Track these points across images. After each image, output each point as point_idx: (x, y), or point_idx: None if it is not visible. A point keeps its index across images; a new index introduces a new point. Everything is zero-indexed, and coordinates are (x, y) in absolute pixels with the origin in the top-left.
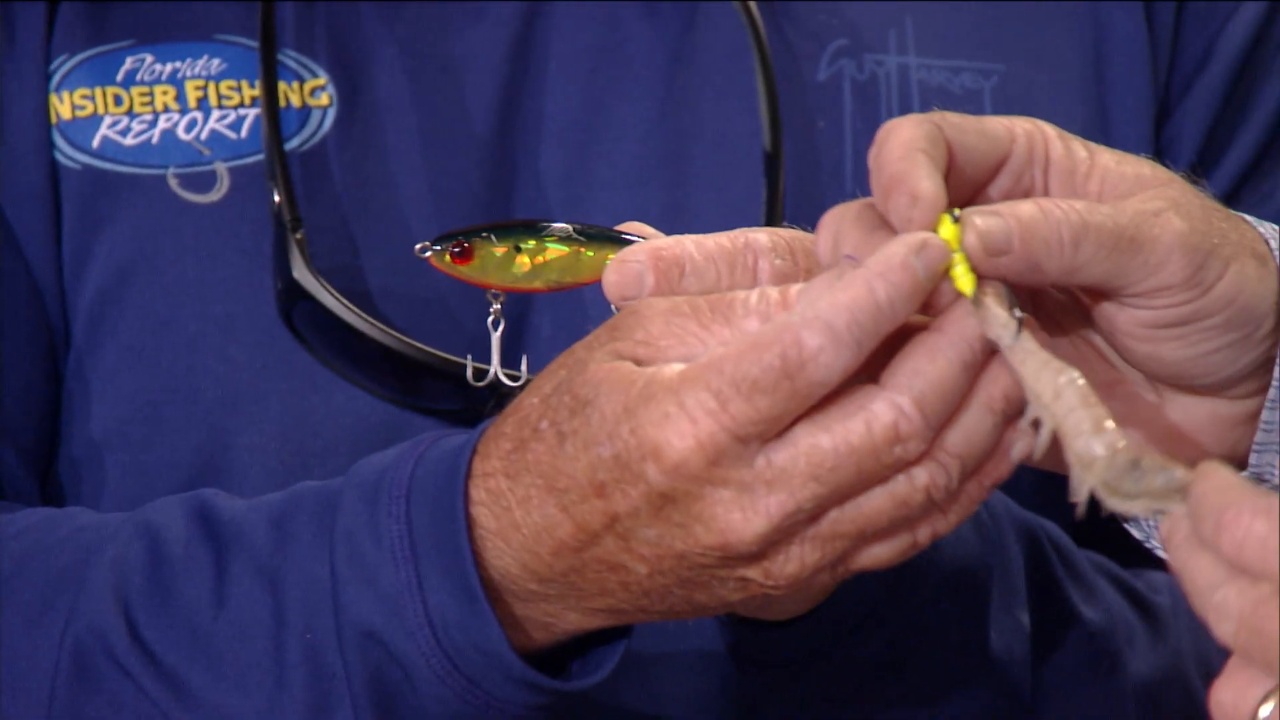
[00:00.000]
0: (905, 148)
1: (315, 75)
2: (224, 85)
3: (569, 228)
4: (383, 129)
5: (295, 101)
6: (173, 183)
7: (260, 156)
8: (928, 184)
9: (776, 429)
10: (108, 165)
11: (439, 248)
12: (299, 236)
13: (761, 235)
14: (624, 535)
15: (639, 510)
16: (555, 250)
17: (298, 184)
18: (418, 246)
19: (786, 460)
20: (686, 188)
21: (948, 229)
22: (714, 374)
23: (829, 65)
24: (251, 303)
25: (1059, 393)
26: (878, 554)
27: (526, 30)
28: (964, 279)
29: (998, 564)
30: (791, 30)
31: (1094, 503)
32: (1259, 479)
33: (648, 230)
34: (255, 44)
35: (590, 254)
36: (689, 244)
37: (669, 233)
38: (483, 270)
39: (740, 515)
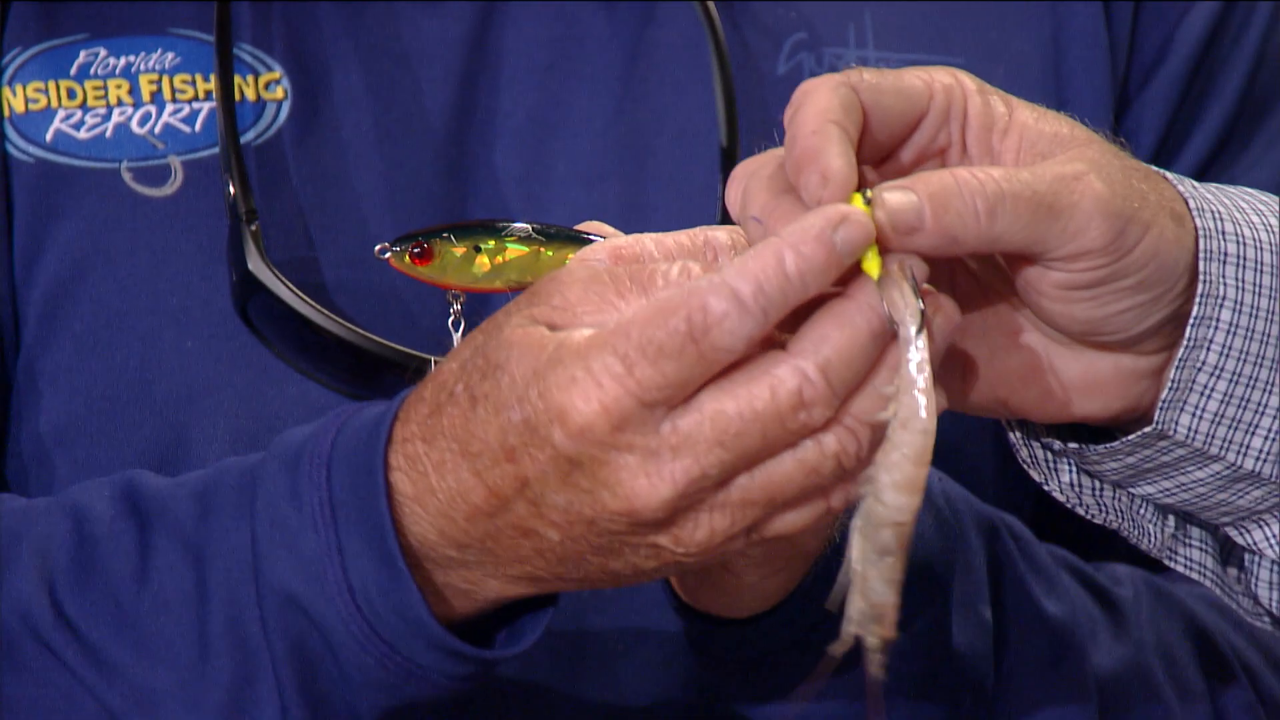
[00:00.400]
0: (819, 119)
1: (270, 69)
2: (178, 79)
3: (528, 227)
4: (338, 123)
5: (250, 95)
6: (126, 176)
7: (214, 150)
8: (838, 162)
9: (682, 395)
10: (61, 158)
11: (398, 249)
12: (254, 228)
13: (721, 233)
14: (535, 501)
15: (547, 475)
16: (515, 250)
17: (253, 177)
18: (377, 248)
19: (691, 426)
20: (644, 183)
21: (859, 207)
22: (620, 338)
23: (788, 59)
24: (207, 296)
25: (908, 423)
26: (792, 520)
27: (483, 26)
28: (870, 259)
29: (959, 559)
30: (751, 25)
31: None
32: (1162, 435)
33: (607, 229)
34: (210, 38)
35: (550, 254)
36: (648, 242)
37: (627, 228)
38: (442, 271)
39: (646, 481)
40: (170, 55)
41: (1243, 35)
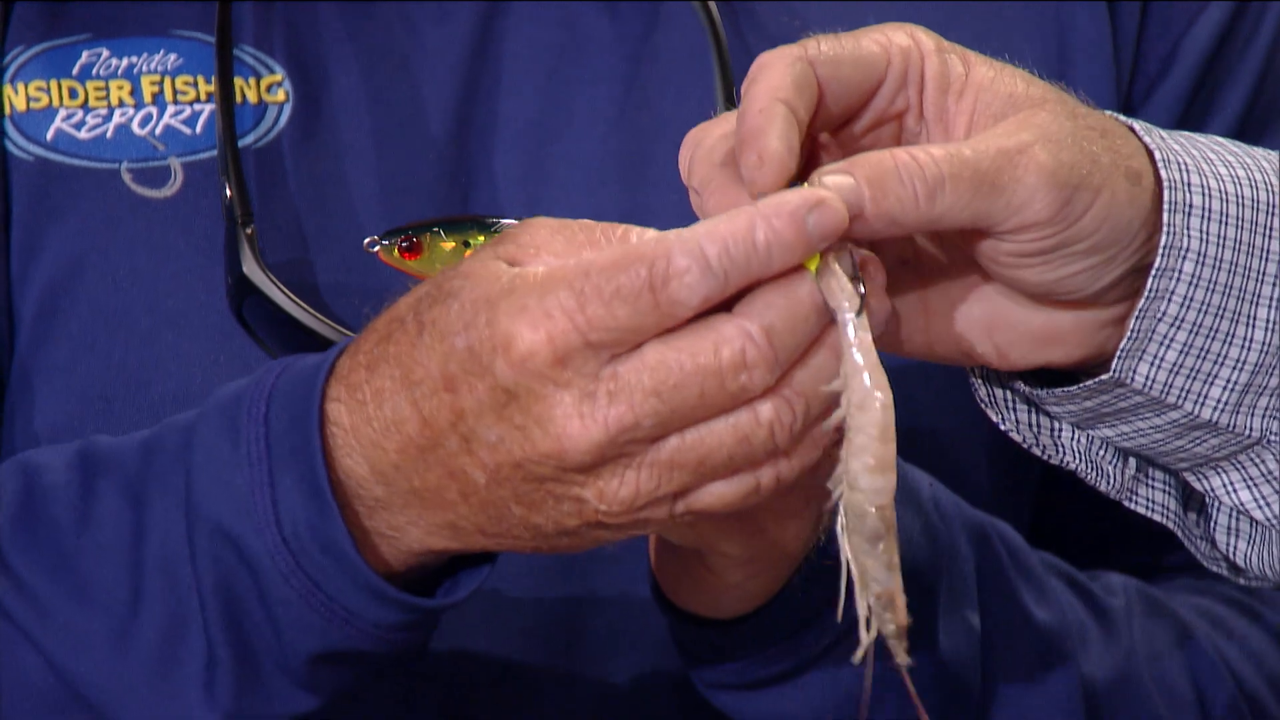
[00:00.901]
0: (768, 96)
1: (272, 71)
2: (180, 80)
3: (516, 223)
4: (338, 126)
5: (251, 97)
6: (126, 177)
7: (214, 151)
8: (776, 144)
9: (630, 343)
10: (61, 158)
11: (387, 242)
12: (249, 231)
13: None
14: (467, 437)
15: (483, 407)
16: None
17: (251, 179)
18: (366, 240)
19: (631, 373)
20: (646, 188)
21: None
22: (579, 276)
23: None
24: (204, 297)
25: (864, 405)
26: (719, 492)
27: (485, 29)
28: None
29: (947, 564)
30: (753, 29)
31: (1055, 506)
32: (1119, 383)
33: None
34: (212, 39)
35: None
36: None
37: None
38: (431, 265)
39: (579, 422)
40: (173, 57)
41: (1251, 41)
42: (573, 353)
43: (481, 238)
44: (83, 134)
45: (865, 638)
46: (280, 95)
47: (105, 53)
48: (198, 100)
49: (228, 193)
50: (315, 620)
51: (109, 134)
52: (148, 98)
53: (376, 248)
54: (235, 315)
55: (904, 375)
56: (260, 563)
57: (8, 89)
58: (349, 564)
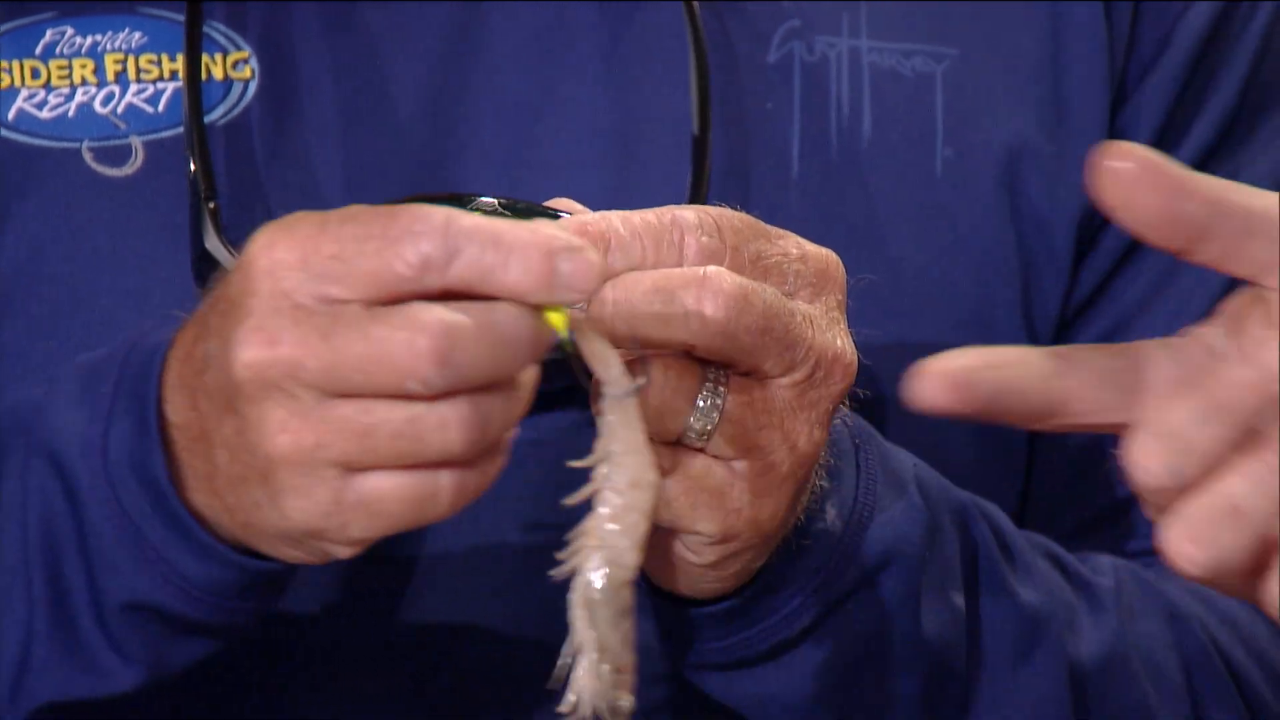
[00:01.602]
0: None
1: (239, 48)
2: (144, 59)
3: (495, 202)
4: (305, 104)
5: (217, 74)
6: (87, 156)
7: (176, 130)
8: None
9: (343, 281)
10: (22, 138)
11: None
12: (212, 206)
13: (689, 212)
14: (201, 368)
15: (215, 319)
16: None
17: (218, 156)
18: None
19: (324, 310)
20: (629, 172)
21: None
22: (335, 213)
23: (779, 47)
24: (167, 276)
25: (638, 483)
26: (393, 484)
27: (467, 12)
28: (556, 316)
29: (931, 546)
30: (740, 14)
31: (1045, 486)
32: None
33: (576, 206)
34: (179, 17)
35: None
36: (615, 219)
37: None
38: None
39: (261, 334)
40: (138, 35)
41: (1245, 31)
42: (291, 266)
43: None
44: (44, 114)
45: (586, 710)
46: (247, 72)
47: (70, 31)
48: (161, 79)
49: (192, 167)
50: (127, 561)
51: (70, 113)
52: (110, 76)
53: None
54: (199, 290)
55: (889, 353)
56: (81, 491)
57: None
58: (164, 500)
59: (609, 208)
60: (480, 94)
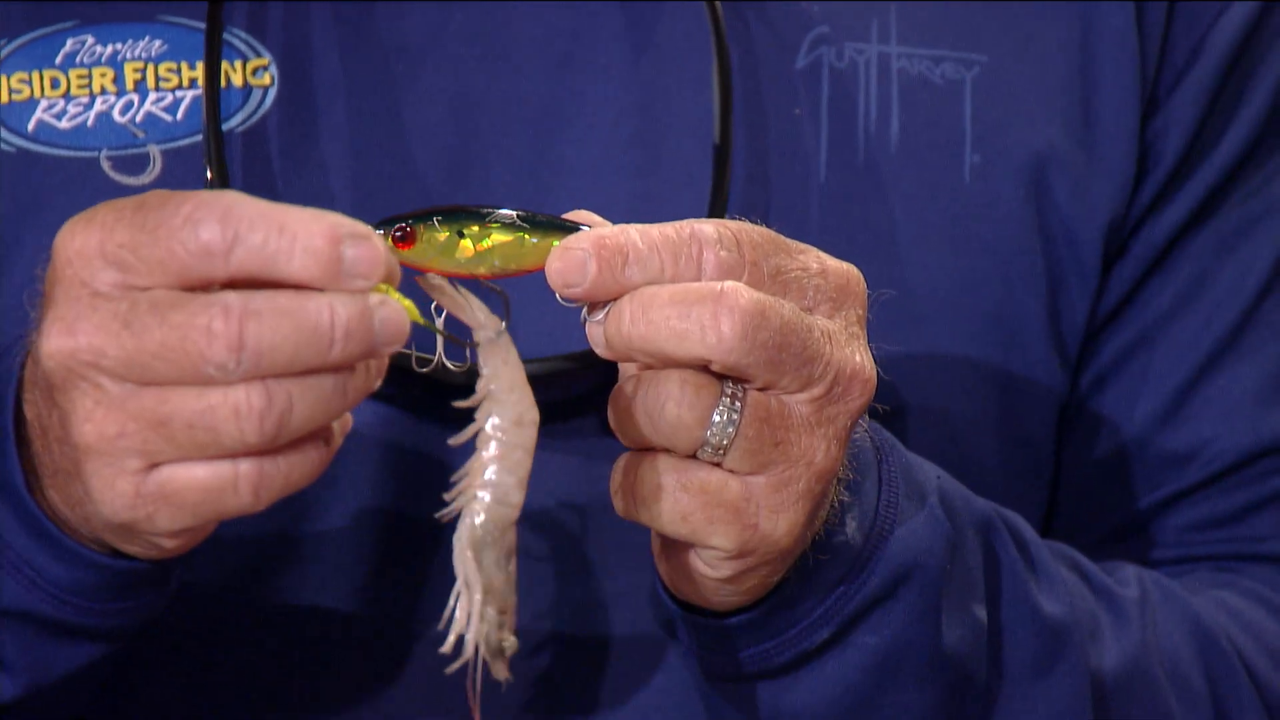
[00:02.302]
0: None
1: (259, 55)
2: (163, 67)
3: (514, 214)
4: (324, 111)
5: (237, 81)
6: (105, 165)
7: (194, 139)
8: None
9: (136, 268)
10: (42, 148)
11: (380, 231)
12: None
13: (708, 226)
14: (33, 362)
15: (36, 320)
16: (499, 236)
17: (236, 162)
18: None
19: (124, 298)
20: (653, 177)
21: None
22: (133, 200)
23: (808, 53)
24: None
25: (520, 421)
26: (193, 475)
27: (489, 18)
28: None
29: (952, 559)
30: (768, 20)
31: (1072, 494)
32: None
33: (595, 219)
34: (199, 24)
35: (535, 240)
36: (633, 233)
37: (638, 220)
38: (424, 255)
39: (62, 324)
40: (158, 43)
41: (1277, 39)
42: (91, 256)
43: (475, 227)
44: (63, 124)
45: (469, 651)
46: (266, 79)
47: (90, 39)
48: (180, 87)
49: (209, 175)
50: None
51: (90, 122)
52: (130, 85)
53: None
54: None
55: (914, 362)
56: None
57: None
58: (20, 502)
59: (631, 211)
60: (503, 98)
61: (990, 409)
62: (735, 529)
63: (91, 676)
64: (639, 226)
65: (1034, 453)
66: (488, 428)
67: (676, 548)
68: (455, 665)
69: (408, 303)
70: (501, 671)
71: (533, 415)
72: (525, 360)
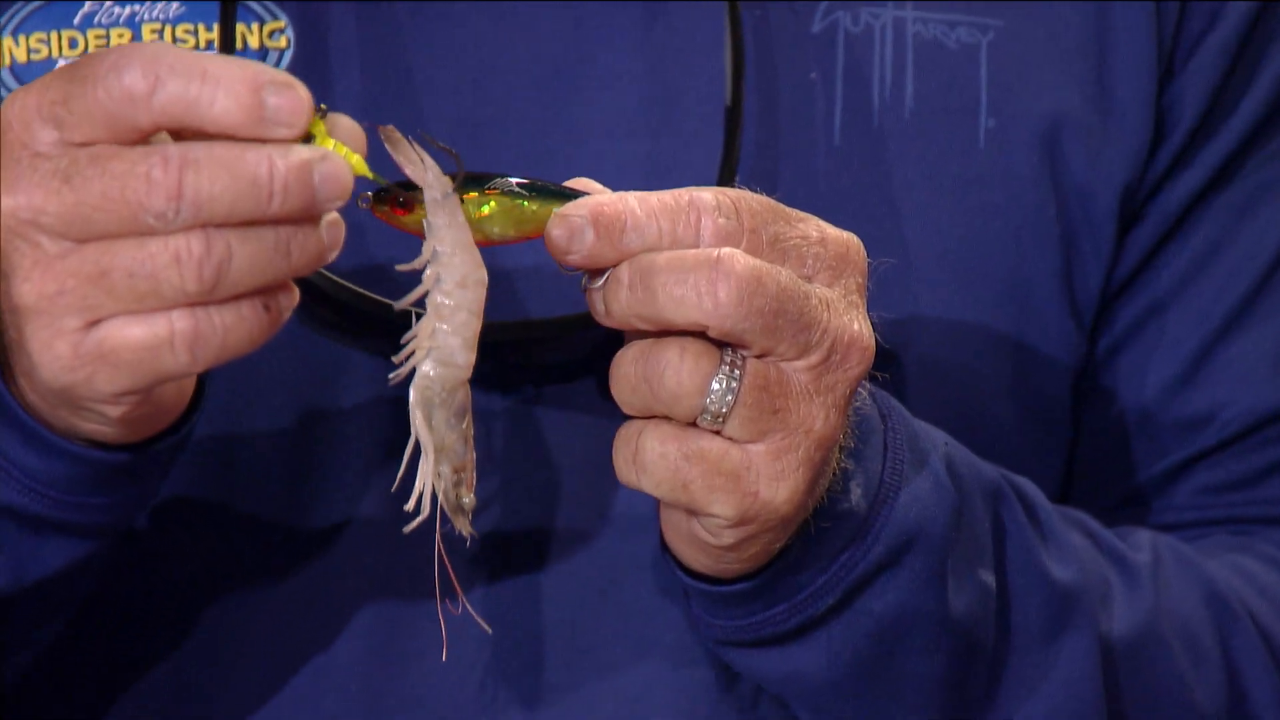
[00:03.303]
0: None
1: (276, 18)
2: (180, 29)
3: (512, 181)
4: (339, 73)
5: (253, 43)
6: None
7: None
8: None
9: (69, 117)
10: None
11: (379, 196)
12: None
13: (706, 194)
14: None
15: None
16: (499, 203)
17: None
18: (359, 198)
19: (64, 154)
20: (669, 138)
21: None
22: (72, 61)
23: (824, 17)
24: None
25: (465, 282)
26: (129, 331)
27: None
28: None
29: (958, 525)
30: None
31: (1094, 456)
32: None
33: (595, 186)
34: None
35: (534, 208)
36: (631, 200)
37: (649, 184)
38: (422, 221)
39: (4, 185)
40: (175, 5)
41: None
42: (24, 119)
43: (475, 194)
44: None
45: (426, 508)
46: (282, 41)
47: (109, 2)
48: (196, 48)
49: None
50: None
51: None
52: None
53: (367, 203)
54: None
55: (929, 322)
56: None
57: (8, 41)
58: None
59: (644, 172)
60: (516, 60)
61: (1004, 370)
62: (735, 497)
63: (72, 582)
64: (637, 194)
65: (1049, 414)
66: (435, 291)
67: (679, 515)
68: (415, 523)
69: (355, 158)
70: (464, 527)
71: (478, 276)
72: (531, 321)
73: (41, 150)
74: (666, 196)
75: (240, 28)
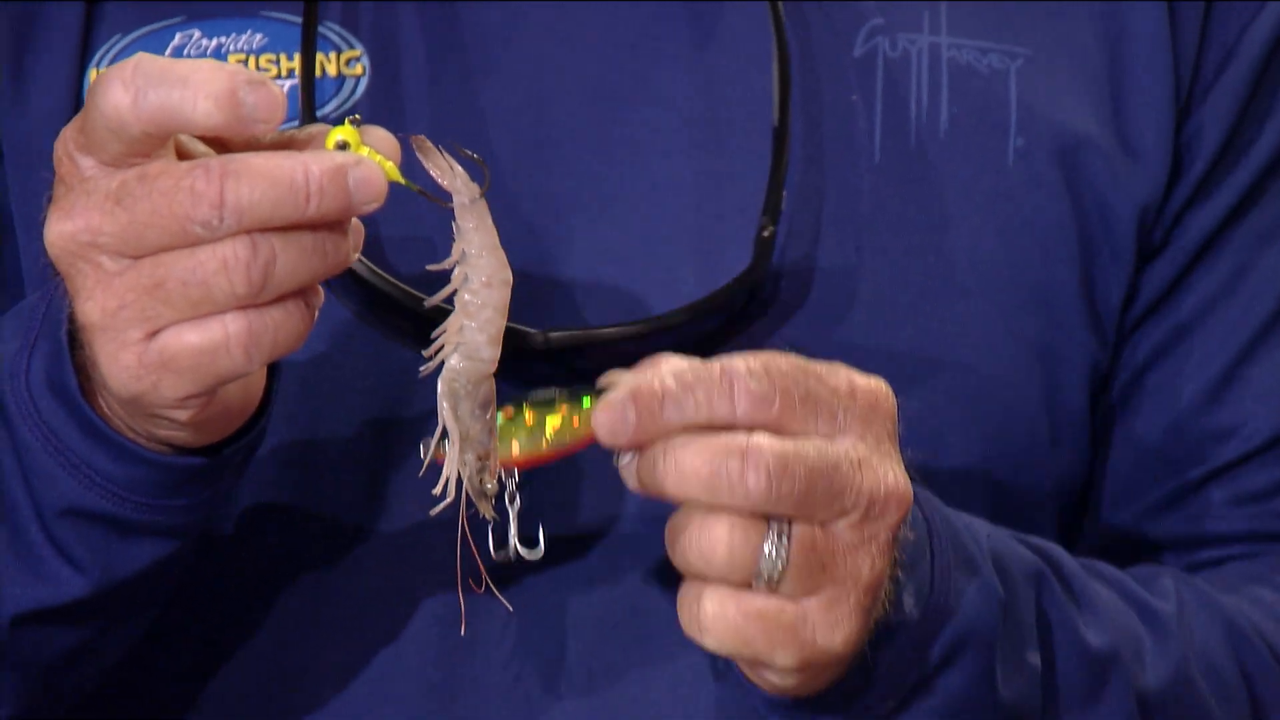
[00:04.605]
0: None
1: (353, 47)
2: (263, 59)
3: (555, 392)
4: (410, 99)
5: (331, 71)
6: None
7: (292, 124)
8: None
9: (89, 141)
10: None
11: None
12: None
13: (738, 361)
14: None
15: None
16: (534, 414)
17: None
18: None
19: (110, 176)
20: (718, 157)
21: (348, 133)
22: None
23: (865, 42)
24: None
25: (492, 282)
26: (186, 338)
27: (562, 9)
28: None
29: (1006, 619)
30: (829, 11)
31: (1120, 466)
32: None
33: (628, 377)
34: (297, 19)
35: (576, 407)
36: (668, 376)
37: (700, 201)
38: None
39: (60, 211)
40: (259, 36)
41: None
42: (70, 151)
43: (518, 413)
44: None
45: (452, 492)
46: (359, 69)
47: (197, 34)
48: (278, 77)
49: None
50: (54, 468)
51: None
52: None
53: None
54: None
55: (961, 328)
56: (8, 409)
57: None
58: (75, 404)
59: (696, 188)
60: (575, 86)
61: (1034, 378)
62: (794, 648)
63: (159, 578)
64: (672, 367)
65: (1073, 423)
66: (463, 290)
67: (744, 664)
68: (441, 506)
69: (389, 165)
70: (487, 511)
71: (504, 276)
72: (588, 329)
73: (89, 175)
74: (699, 368)
75: (320, 57)
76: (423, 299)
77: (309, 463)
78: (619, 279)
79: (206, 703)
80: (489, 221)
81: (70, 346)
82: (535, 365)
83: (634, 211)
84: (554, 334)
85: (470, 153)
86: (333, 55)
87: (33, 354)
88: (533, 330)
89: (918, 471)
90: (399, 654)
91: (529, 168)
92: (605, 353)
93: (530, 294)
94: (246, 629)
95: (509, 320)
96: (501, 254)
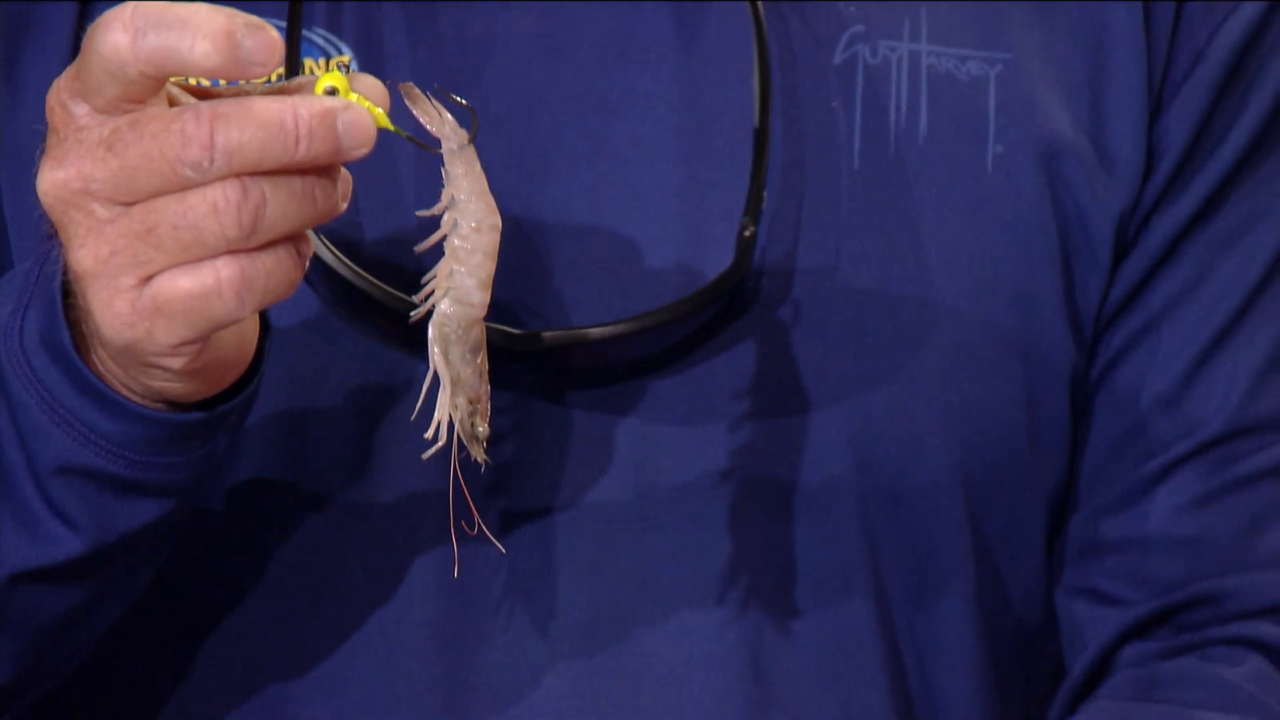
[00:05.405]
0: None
1: (341, 52)
2: None
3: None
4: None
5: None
6: None
7: None
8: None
9: (84, 86)
10: None
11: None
12: None
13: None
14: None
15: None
16: None
17: None
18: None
19: (97, 125)
20: (703, 162)
21: (337, 79)
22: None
23: (845, 50)
24: None
25: (481, 227)
26: (179, 283)
27: (551, 11)
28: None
29: None
30: (810, 17)
31: (1099, 449)
32: None
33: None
34: (281, 23)
35: None
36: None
37: (685, 205)
38: None
39: (52, 160)
40: None
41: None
42: (62, 100)
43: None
44: None
45: (444, 436)
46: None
47: None
48: (266, 80)
49: None
50: (49, 426)
51: None
52: (222, 83)
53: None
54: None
55: (943, 332)
56: (3, 370)
57: None
58: (69, 361)
59: (679, 195)
60: (561, 92)
61: (1015, 381)
62: None
63: (154, 540)
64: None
65: (1053, 425)
66: (452, 234)
67: None
68: (433, 450)
69: (378, 111)
70: (479, 454)
71: (493, 221)
72: (575, 329)
73: (81, 123)
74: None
75: (308, 62)
76: (406, 299)
77: (299, 451)
78: (605, 280)
79: (201, 676)
80: (478, 167)
81: (65, 305)
82: (521, 365)
83: (619, 214)
84: (543, 334)
85: (459, 98)
86: (321, 60)
87: (26, 312)
88: (520, 330)
89: (896, 476)
90: (394, 647)
91: (516, 176)
92: (592, 352)
93: (517, 295)
94: (232, 621)
95: (493, 321)
96: (490, 199)
